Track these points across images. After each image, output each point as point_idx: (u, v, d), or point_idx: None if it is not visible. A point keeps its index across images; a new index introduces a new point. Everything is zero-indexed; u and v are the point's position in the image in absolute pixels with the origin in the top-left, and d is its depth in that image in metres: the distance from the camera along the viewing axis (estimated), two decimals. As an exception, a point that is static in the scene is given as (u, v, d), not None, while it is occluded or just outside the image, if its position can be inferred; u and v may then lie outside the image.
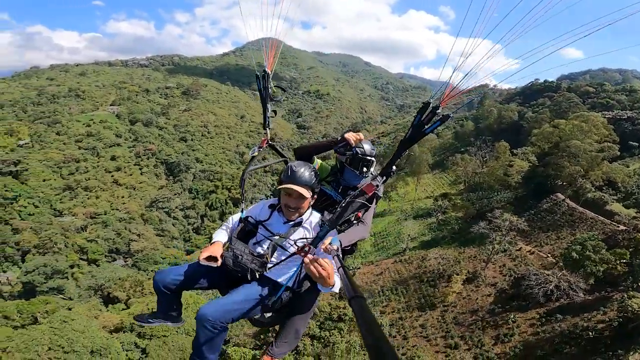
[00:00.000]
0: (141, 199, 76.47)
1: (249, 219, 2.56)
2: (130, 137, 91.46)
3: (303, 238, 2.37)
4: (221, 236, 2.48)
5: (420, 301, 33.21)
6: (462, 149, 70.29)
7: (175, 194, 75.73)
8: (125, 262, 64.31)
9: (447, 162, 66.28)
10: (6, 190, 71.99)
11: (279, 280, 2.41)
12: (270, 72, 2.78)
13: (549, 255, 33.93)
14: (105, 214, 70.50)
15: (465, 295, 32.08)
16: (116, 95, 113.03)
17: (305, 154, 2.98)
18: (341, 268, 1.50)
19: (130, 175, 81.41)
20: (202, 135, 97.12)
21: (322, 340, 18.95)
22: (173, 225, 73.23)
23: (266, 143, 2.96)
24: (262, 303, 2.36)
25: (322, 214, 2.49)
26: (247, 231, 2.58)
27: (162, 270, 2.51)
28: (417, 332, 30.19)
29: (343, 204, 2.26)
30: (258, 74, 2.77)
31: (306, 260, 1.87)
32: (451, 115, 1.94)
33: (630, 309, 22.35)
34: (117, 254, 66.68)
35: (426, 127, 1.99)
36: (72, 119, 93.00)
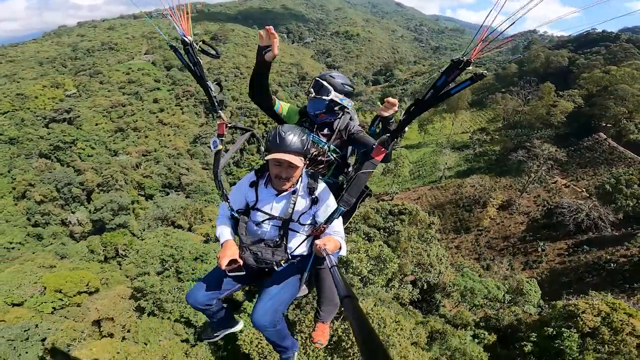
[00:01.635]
0: (185, 136, 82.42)
1: (238, 211, 2.37)
2: (168, 82, 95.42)
3: (304, 212, 2.27)
4: (226, 232, 2.33)
5: (456, 224, 36.18)
6: (504, 90, 67.81)
7: (216, 130, 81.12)
8: (177, 195, 71.03)
9: (486, 100, 64.77)
10: (64, 135, 79.53)
11: (298, 253, 2.38)
12: (191, 39, 2.14)
13: (583, 189, 35.15)
14: (155, 151, 76.89)
15: (499, 222, 34.60)
16: (148, 45, 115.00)
17: (258, 89, 2.61)
18: (334, 267, 1.51)
19: (173, 115, 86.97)
20: (235, 76, 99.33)
21: (387, 230, 22.65)
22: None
23: (225, 127, 2.52)
24: (297, 283, 2.36)
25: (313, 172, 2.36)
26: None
27: (190, 293, 2.42)
28: (452, 253, 33.49)
29: (353, 178, 2.14)
30: (174, 45, 2.16)
31: (317, 249, 1.89)
32: (485, 74, 1.65)
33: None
34: (169, 188, 72.57)
35: (452, 87, 1.69)
36: (112, 68, 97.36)
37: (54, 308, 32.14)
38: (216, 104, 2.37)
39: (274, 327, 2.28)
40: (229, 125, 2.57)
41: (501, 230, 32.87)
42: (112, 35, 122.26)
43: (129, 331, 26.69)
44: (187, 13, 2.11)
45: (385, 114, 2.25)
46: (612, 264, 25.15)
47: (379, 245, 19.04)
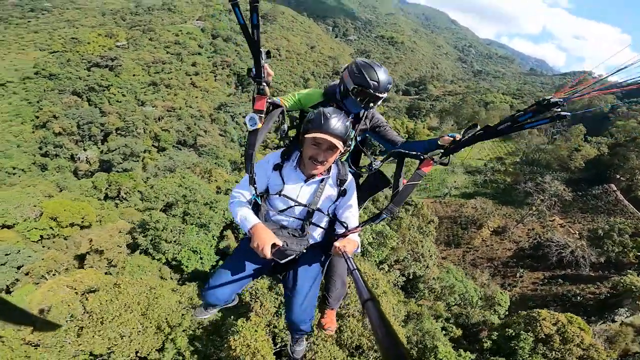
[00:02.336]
0: (212, 102, 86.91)
1: (263, 196, 2.25)
2: (210, 49, 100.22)
3: (331, 202, 2.24)
4: (252, 216, 2.13)
5: (449, 238, 38.03)
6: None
7: (242, 102, 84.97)
8: (189, 152, 74.36)
9: (511, 132, 65.51)
10: (102, 80, 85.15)
11: (317, 241, 2.35)
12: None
13: (577, 232, 36.19)
14: (180, 109, 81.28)
15: (489, 244, 36.40)
16: (202, 11, 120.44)
17: None
18: (356, 270, 1.46)
19: (206, 80, 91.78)
20: (273, 56, 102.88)
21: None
22: (234, 129, 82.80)
23: (267, 103, 2.06)
24: (320, 274, 2.37)
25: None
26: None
27: (211, 292, 2.32)
28: (436, 262, 35.60)
29: (401, 189, 2.17)
30: (237, 2, 1.58)
31: (337, 252, 1.87)
32: (567, 116, 1.49)
33: (621, 283, 25.09)
34: (183, 145, 74.64)
35: (529, 121, 1.54)
36: (164, 28, 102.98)
37: (41, 236, 32.27)
38: (263, 73, 1.91)
39: (310, 321, 2.35)
40: (269, 100, 2.21)
41: (488, 252, 34.62)
42: None
43: (114, 266, 26.64)
44: None
45: (445, 143, 2.12)
46: (578, 297, 26.71)
47: (383, 225, 21.54)
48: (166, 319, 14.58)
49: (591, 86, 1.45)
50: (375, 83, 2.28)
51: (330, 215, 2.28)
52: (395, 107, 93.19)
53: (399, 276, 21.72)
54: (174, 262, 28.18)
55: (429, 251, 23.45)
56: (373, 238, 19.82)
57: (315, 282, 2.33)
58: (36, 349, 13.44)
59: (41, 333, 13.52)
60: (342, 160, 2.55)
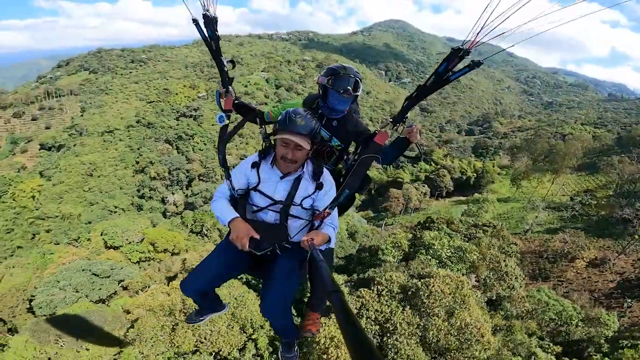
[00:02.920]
0: None
1: (239, 191, 2.35)
2: (275, 99, 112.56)
3: (307, 196, 2.32)
4: (231, 210, 2.28)
5: (534, 272, 35.22)
6: (623, 154, 62.41)
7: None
8: None
9: (599, 162, 60.59)
10: (188, 129, 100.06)
11: (297, 239, 2.31)
12: (214, 15, 2.02)
13: None
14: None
15: (585, 276, 32.81)
16: (265, 63, 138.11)
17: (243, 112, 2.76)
18: (321, 262, 1.56)
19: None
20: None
21: (468, 236, 25.18)
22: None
23: (232, 103, 2.49)
24: (299, 272, 2.41)
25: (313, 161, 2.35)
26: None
27: (187, 282, 2.44)
28: (522, 285, 32.53)
29: (356, 163, 2.31)
30: (196, 19, 2.01)
31: (304, 244, 1.99)
32: (482, 62, 1.78)
33: None
34: None
35: (451, 73, 1.82)
36: (235, 79, 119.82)
37: (139, 259, 37.43)
38: (226, 79, 2.37)
39: (283, 317, 2.38)
40: (236, 101, 2.52)
41: (585, 284, 31.29)
42: (240, 51, 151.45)
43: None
44: None
45: (413, 139, 2.38)
46: None
47: (460, 240, 21.80)
48: (251, 319, 15.25)
49: (488, 35, 1.66)
50: (343, 69, 2.52)
51: (309, 209, 2.35)
52: (459, 147, 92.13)
53: (480, 296, 20.65)
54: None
55: (513, 271, 22.23)
56: (452, 253, 20.07)
57: (290, 278, 2.34)
58: (132, 344, 14.34)
59: (138, 330, 14.49)
60: (329, 162, 2.79)
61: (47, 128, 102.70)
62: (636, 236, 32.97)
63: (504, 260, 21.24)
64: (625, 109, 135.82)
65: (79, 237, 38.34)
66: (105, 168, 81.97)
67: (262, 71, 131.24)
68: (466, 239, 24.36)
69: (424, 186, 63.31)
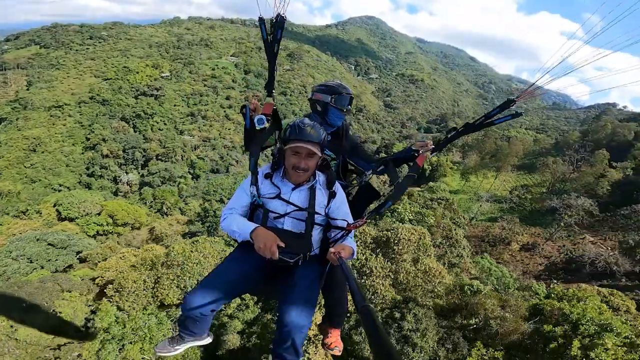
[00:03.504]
0: (243, 134, 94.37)
1: (259, 202, 2.32)
2: (243, 84, 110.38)
3: (323, 205, 2.34)
4: (248, 222, 2.25)
5: (477, 254, 39.40)
6: (558, 156, 70.47)
7: (272, 137, 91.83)
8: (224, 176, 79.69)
9: (537, 163, 67.83)
10: (147, 108, 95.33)
11: (315, 253, 2.34)
12: (285, 16, 2.11)
13: (609, 248, 37.13)
14: (214, 140, 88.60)
15: (519, 259, 37.65)
16: (235, 48, 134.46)
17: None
18: (350, 276, 1.53)
19: (238, 113, 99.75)
20: (300, 93, 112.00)
21: (426, 205, 28.17)
22: (263, 161, 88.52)
23: (272, 108, 2.50)
24: (319, 284, 2.32)
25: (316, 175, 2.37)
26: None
27: (193, 297, 2.14)
28: (469, 254, 36.18)
29: (402, 179, 2.47)
30: (263, 17, 2.06)
31: (331, 257, 1.99)
32: (522, 113, 2.13)
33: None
34: (217, 173, 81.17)
35: (496, 118, 2.14)
36: (202, 62, 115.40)
37: (96, 232, 35.81)
38: (273, 84, 2.42)
39: (309, 328, 2.09)
40: (274, 107, 2.53)
41: (519, 266, 36.03)
42: (210, 34, 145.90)
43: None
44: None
45: (426, 152, 2.48)
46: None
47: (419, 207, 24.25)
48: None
49: (533, 90, 2.04)
50: (343, 88, 2.78)
51: (326, 216, 2.34)
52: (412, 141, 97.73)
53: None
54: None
55: (462, 241, 24.64)
56: (413, 216, 22.70)
57: (313, 286, 2.25)
58: (110, 301, 14.67)
59: (119, 284, 14.71)
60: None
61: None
62: (562, 224, 37.92)
63: (454, 230, 24.10)
64: (565, 118, 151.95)
65: (27, 210, 35.56)
66: (51, 144, 76.14)
67: (231, 55, 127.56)
68: (424, 208, 27.21)
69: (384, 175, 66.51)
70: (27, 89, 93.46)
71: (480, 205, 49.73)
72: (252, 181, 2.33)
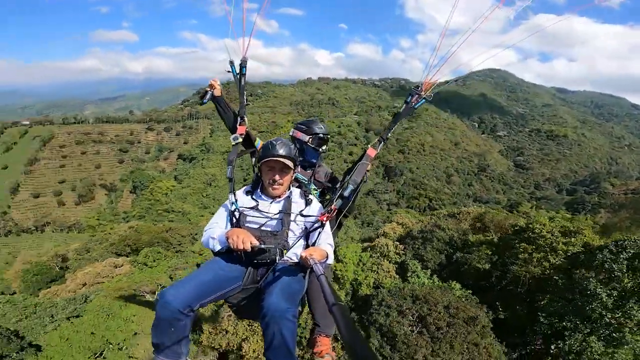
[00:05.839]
0: (362, 190, 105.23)
1: (238, 210, 2.46)
2: (364, 141, 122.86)
3: (300, 211, 2.50)
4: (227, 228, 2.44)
5: None
6: None
7: (387, 191, 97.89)
8: None
9: None
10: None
11: (294, 252, 2.40)
12: (247, 58, 2.89)
13: None
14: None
15: None
16: (357, 107, 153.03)
17: (228, 121, 3.08)
18: (322, 276, 1.63)
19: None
20: (417, 152, 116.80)
21: None
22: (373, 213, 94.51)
23: (245, 130, 2.96)
24: (303, 281, 2.25)
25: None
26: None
27: (170, 290, 2.02)
28: None
29: (356, 165, 2.74)
30: (232, 60, 2.89)
31: (304, 259, 2.05)
32: (431, 96, 2.84)
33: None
34: None
35: (415, 104, 2.84)
36: (330, 119, 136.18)
37: None
38: (244, 111, 2.96)
39: (293, 315, 1.90)
40: (247, 130, 2.98)
41: None
42: (336, 94, 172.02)
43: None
44: (249, 40, 2.79)
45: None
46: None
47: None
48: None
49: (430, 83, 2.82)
50: (321, 128, 3.24)
51: (301, 215, 2.48)
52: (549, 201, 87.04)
53: None
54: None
55: None
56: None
57: (294, 281, 2.19)
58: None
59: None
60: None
61: (185, 143, 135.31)
62: None
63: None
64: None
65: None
66: (222, 180, 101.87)
67: (354, 114, 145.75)
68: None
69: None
70: (210, 136, 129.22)
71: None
72: (230, 188, 2.59)
